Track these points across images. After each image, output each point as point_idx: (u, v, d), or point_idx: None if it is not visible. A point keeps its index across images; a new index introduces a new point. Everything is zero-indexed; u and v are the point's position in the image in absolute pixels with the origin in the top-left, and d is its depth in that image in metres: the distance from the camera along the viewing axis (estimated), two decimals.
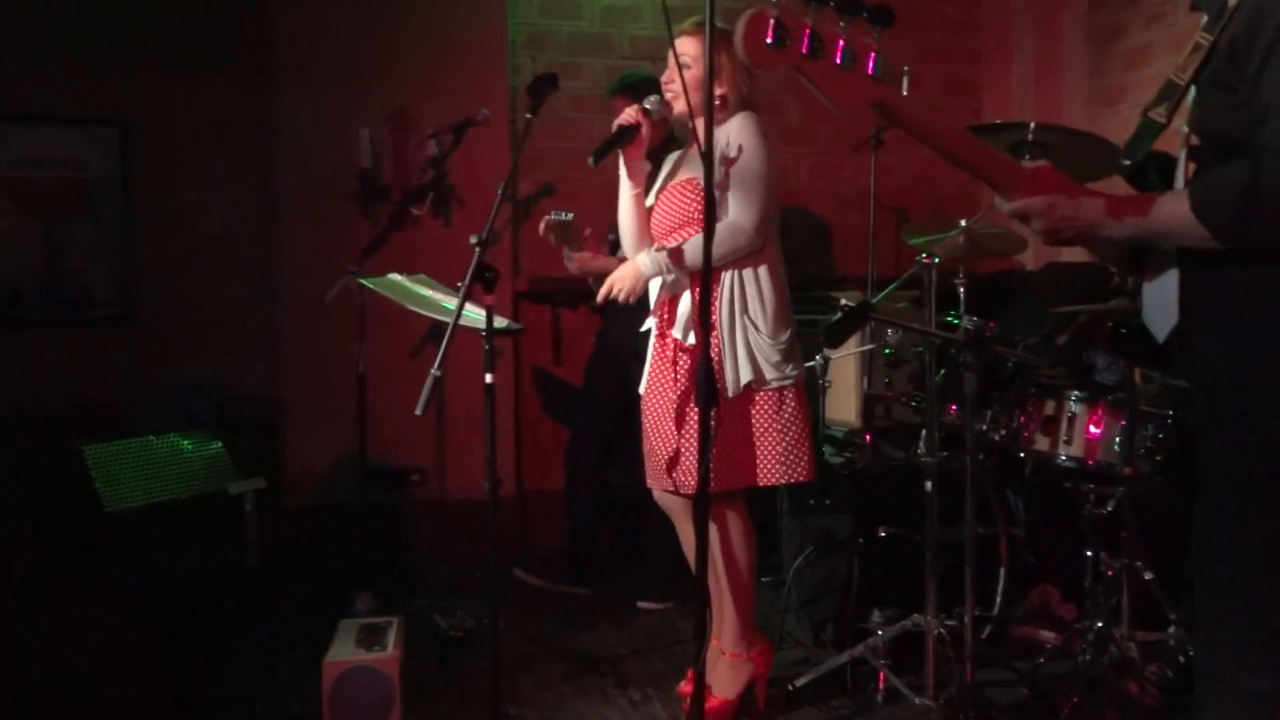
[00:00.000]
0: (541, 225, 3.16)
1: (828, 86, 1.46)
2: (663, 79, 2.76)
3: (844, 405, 3.61)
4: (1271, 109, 1.39)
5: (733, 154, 2.62)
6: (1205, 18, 1.53)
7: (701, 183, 2.65)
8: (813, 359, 3.44)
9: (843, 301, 2.76)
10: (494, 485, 2.61)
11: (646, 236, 2.83)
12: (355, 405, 3.94)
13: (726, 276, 2.66)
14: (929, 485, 2.72)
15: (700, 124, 2.73)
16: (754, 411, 2.70)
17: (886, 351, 3.18)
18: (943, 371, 2.97)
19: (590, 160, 2.60)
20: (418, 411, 2.30)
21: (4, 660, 3.23)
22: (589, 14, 4.69)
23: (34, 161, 4.22)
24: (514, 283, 4.49)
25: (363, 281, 2.88)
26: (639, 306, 2.83)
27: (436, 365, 2.31)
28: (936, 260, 2.73)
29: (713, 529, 2.83)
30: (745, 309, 2.66)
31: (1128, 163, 1.61)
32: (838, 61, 1.44)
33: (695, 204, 2.69)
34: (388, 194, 4.30)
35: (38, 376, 4.14)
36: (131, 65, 4.17)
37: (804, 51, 1.43)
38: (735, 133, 2.65)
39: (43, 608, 3.48)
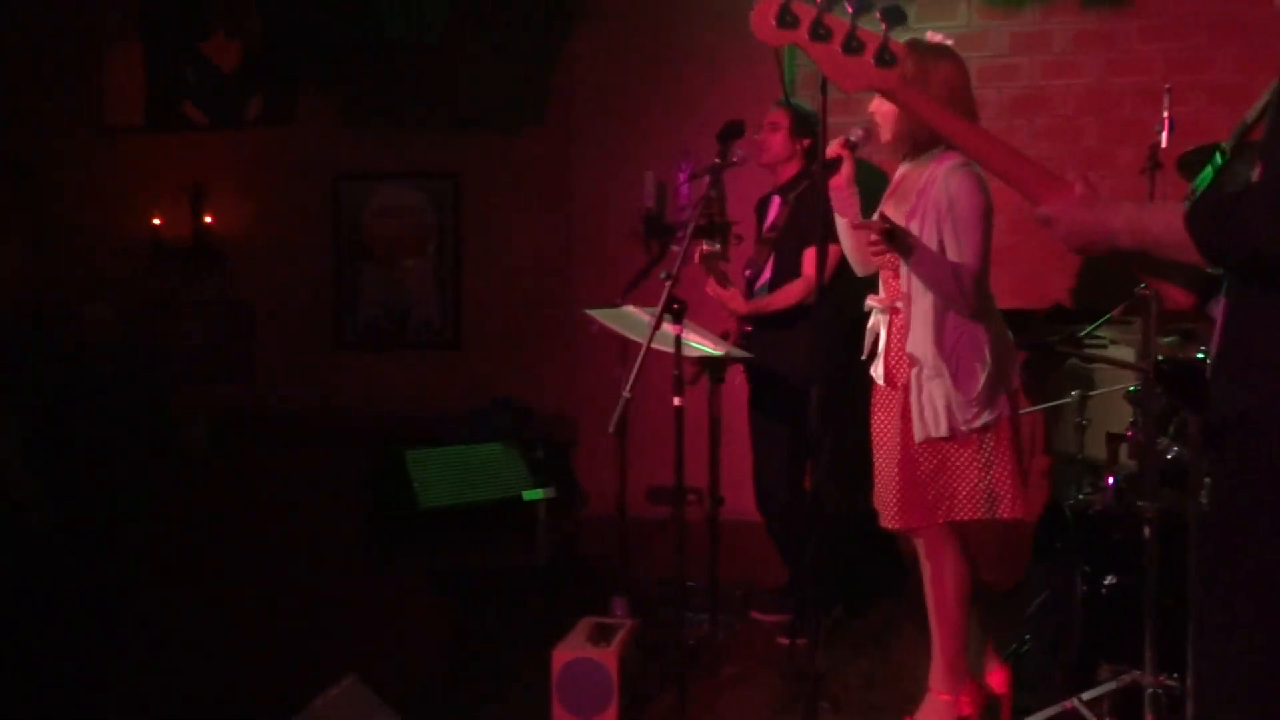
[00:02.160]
0: (697, 254, 3.37)
1: (831, 69, 1.54)
2: (871, 108, 2.82)
3: (1103, 444, 3.40)
4: None
5: (946, 202, 2.62)
6: None
7: (900, 219, 2.71)
8: (1068, 395, 3.31)
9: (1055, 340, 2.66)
10: (679, 504, 2.79)
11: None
12: (631, 428, 4.29)
13: (927, 319, 2.67)
14: (1146, 532, 2.55)
15: (905, 164, 2.79)
16: (951, 451, 2.68)
17: (1131, 389, 2.99)
18: (1181, 411, 2.75)
19: (785, 196, 2.74)
20: (610, 430, 2.55)
21: (315, 619, 3.92)
22: None
23: (387, 211, 5.05)
24: None
25: (589, 312, 3.21)
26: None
27: (627, 388, 2.56)
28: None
29: (926, 563, 2.84)
30: (945, 357, 2.65)
31: (1189, 198, 1.53)
32: (839, 47, 1.52)
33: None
34: (670, 231, 4.65)
35: (381, 393, 4.94)
36: (457, 124, 4.87)
37: (806, 34, 1.52)
38: (949, 180, 2.64)
39: (358, 585, 4.17)
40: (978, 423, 2.66)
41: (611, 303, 3.92)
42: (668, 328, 2.70)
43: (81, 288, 5.19)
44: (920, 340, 2.68)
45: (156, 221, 5.13)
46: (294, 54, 4.88)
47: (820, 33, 1.53)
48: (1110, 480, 3.02)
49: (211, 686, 3.34)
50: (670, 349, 2.87)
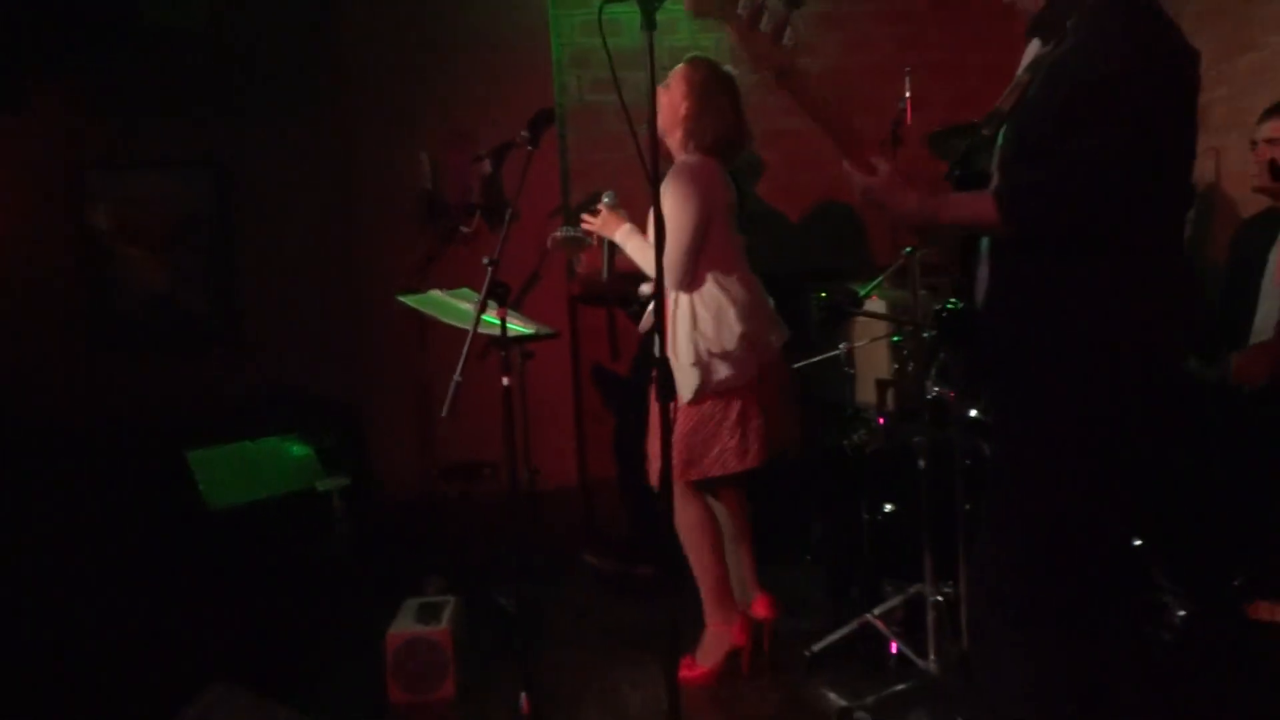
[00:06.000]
0: (549, 240, 3.47)
1: (750, 46, 1.76)
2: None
3: (871, 391, 3.81)
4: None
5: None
6: (1032, 46, 1.80)
7: None
8: (836, 348, 3.68)
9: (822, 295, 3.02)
10: (512, 477, 2.92)
11: None
12: (424, 410, 4.34)
13: (681, 300, 3.01)
14: (921, 464, 2.93)
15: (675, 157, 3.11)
16: (680, 415, 3.02)
17: (895, 340, 3.38)
18: (940, 356, 3.15)
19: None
20: (443, 414, 2.63)
21: (121, 634, 3.74)
22: (629, 30, 4.96)
23: (144, 201, 4.75)
24: (568, 287, 4.82)
25: (400, 299, 3.23)
26: None
27: (458, 372, 2.64)
28: (916, 251, 2.94)
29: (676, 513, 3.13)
30: (692, 328, 3.00)
31: (958, 173, 1.84)
32: (762, 28, 1.73)
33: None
34: (448, 213, 4.69)
35: (150, 391, 4.67)
36: (221, 111, 4.65)
37: (739, 11, 1.73)
38: (668, 180, 3.00)
39: (149, 594, 3.99)
40: (689, 393, 3.00)
41: (410, 287, 3.94)
42: (491, 312, 2.79)
43: None
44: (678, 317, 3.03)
45: None
46: (23, 39, 4.47)
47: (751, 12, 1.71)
48: (881, 421, 3.41)
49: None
50: (484, 331, 2.95)
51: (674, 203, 2.94)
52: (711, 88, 3.04)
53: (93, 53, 4.28)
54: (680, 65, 3.12)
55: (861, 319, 3.78)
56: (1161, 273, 1.73)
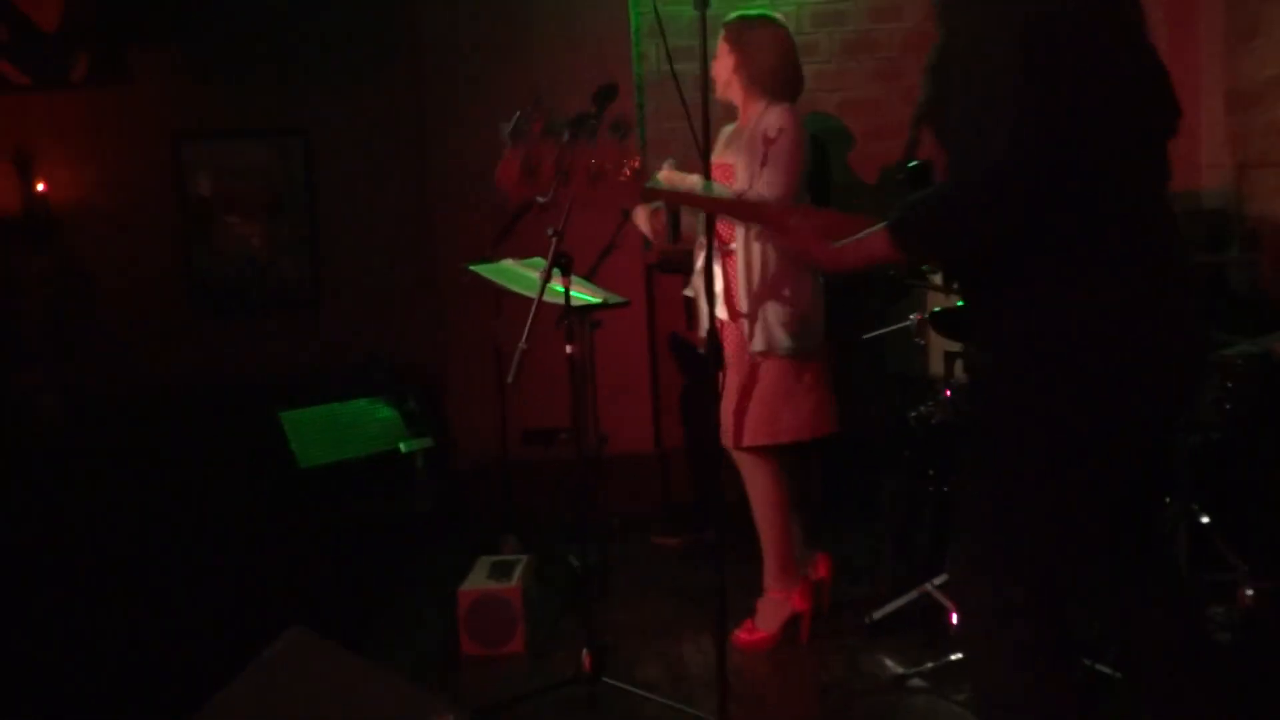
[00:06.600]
0: (643, 215, 3.51)
1: (585, 203, 1.72)
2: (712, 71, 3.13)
3: (942, 362, 3.79)
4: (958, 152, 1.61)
5: (772, 135, 2.92)
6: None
7: (735, 166, 3.01)
8: (906, 319, 3.67)
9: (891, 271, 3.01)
10: (580, 443, 3.03)
11: None
12: (501, 375, 4.46)
13: (755, 250, 2.98)
14: None
15: (745, 108, 3.10)
16: (769, 376, 3.03)
17: (960, 305, 3.36)
18: None
19: None
20: (509, 380, 2.72)
21: (217, 585, 3.98)
22: None
23: (234, 170, 4.96)
24: (644, 256, 4.88)
25: (472, 268, 3.33)
26: None
27: (523, 340, 2.73)
28: None
29: (746, 478, 3.17)
30: (765, 283, 2.98)
31: (913, 164, 1.83)
32: (585, 183, 1.67)
33: (730, 185, 3.03)
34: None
35: (243, 355, 4.90)
36: (306, 80, 4.82)
37: (552, 181, 1.66)
38: (775, 118, 2.96)
39: (242, 543, 4.23)
40: (795, 346, 3.04)
41: (484, 256, 4.04)
42: (556, 281, 2.87)
43: None
44: (755, 271, 3.02)
45: None
46: (123, 9, 4.69)
47: (564, 176, 1.66)
48: (948, 393, 3.40)
49: (146, 658, 3.36)
50: (551, 300, 3.03)
51: (786, 146, 2.96)
52: (747, 35, 3.12)
53: (180, 21, 4.47)
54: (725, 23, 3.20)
55: (933, 290, 3.78)
56: (1117, 264, 1.56)
